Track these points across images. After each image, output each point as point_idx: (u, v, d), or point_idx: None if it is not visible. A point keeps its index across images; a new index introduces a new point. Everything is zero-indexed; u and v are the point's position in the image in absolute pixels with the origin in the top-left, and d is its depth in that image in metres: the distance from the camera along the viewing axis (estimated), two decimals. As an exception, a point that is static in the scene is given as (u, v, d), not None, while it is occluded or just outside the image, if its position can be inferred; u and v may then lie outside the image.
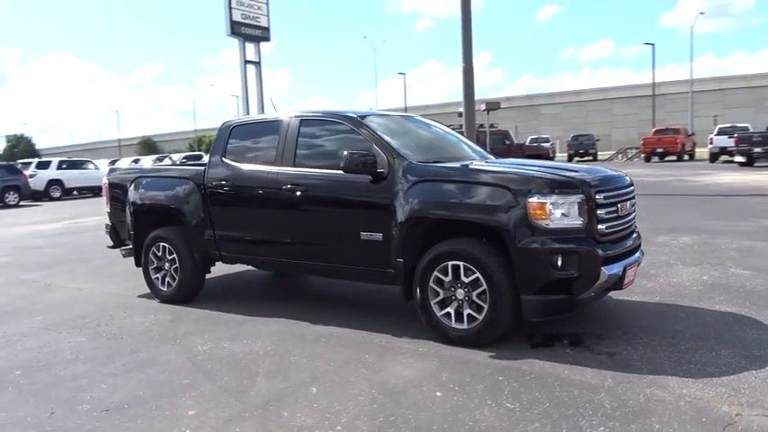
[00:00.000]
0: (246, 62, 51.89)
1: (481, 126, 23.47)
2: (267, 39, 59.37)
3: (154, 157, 45.95)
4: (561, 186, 4.19)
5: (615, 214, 4.43)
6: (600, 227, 4.26)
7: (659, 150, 33.53)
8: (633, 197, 4.82)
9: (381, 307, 5.69)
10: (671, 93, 57.31)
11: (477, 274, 4.25)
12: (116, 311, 5.89)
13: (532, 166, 4.77)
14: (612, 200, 4.42)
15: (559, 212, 4.12)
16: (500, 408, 3.37)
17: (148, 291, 6.35)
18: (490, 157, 5.83)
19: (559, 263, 4.07)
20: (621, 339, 4.40)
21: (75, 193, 28.02)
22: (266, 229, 5.48)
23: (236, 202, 5.66)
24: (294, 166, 5.28)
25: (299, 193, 5.16)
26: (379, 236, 4.73)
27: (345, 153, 4.74)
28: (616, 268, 4.33)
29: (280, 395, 3.69)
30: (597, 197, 4.25)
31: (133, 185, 6.40)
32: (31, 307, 6.26)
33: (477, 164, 5.03)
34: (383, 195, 4.71)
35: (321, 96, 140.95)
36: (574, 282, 4.14)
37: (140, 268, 6.35)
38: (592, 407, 3.33)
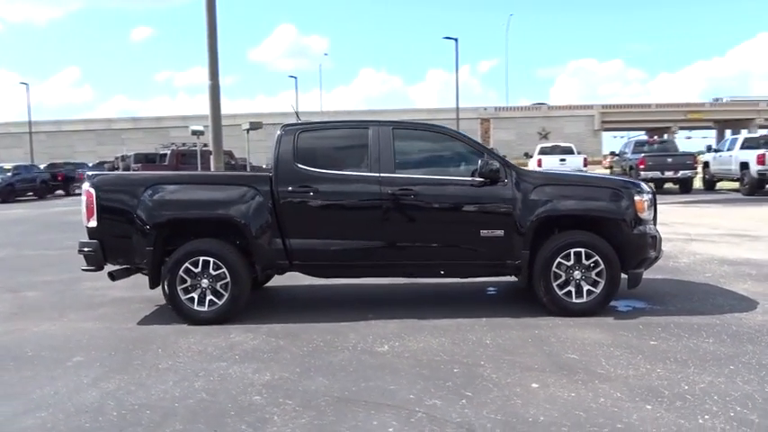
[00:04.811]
0: None
1: (194, 145, 23.15)
2: None
3: None
4: (645, 188, 5.75)
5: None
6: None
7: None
8: None
9: (434, 298, 6.27)
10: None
11: (597, 257, 5.47)
12: (168, 339, 5.11)
13: (609, 175, 6.19)
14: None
15: (646, 207, 5.65)
16: (702, 343, 4.69)
17: (124, 318, 5.86)
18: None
19: (651, 244, 5.60)
20: (665, 302, 6.00)
21: None
22: (365, 234, 5.55)
23: (323, 209, 5.59)
24: (394, 171, 5.57)
25: (412, 197, 5.50)
26: (500, 232, 5.51)
27: (480, 161, 5.41)
28: (659, 249, 6.08)
29: (565, 365, 4.30)
30: (654, 197, 5.94)
31: (149, 193, 5.52)
32: (22, 350, 4.88)
33: (584, 172, 6.23)
34: (504, 197, 5.52)
35: None
36: (652, 259, 5.72)
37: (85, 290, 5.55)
38: (751, 334, 4.90)
